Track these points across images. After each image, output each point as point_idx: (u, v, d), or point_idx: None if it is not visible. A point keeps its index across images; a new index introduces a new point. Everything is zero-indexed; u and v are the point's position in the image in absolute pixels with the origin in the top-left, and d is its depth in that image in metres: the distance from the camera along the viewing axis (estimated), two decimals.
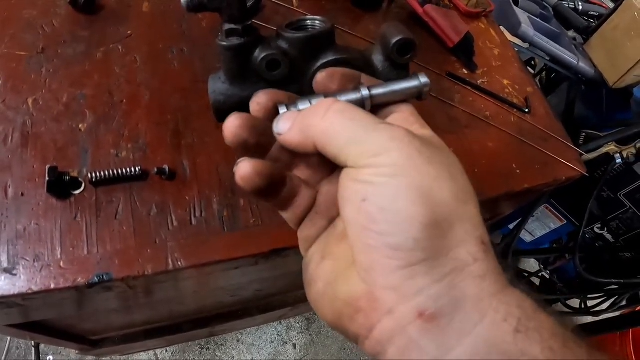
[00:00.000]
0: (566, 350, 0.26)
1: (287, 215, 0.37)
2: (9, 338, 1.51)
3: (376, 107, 0.36)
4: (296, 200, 0.36)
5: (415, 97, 0.37)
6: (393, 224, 0.27)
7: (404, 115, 0.36)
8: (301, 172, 0.37)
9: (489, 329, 0.26)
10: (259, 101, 0.35)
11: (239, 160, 0.32)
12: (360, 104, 0.35)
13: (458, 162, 0.31)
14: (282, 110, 0.34)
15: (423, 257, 0.26)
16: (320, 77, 0.37)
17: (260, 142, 0.34)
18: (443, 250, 0.27)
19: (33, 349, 1.41)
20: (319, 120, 0.30)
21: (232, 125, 0.33)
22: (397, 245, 0.26)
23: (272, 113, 0.35)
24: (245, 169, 0.31)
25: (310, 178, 0.37)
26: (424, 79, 0.37)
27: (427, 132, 0.34)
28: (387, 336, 0.27)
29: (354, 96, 0.35)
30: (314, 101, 0.34)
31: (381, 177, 0.28)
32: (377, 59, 0.49)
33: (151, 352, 1.64)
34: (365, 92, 0.35)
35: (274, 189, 0.34)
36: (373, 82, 0.38)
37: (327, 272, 0.32)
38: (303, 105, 0.34)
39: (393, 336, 0.27)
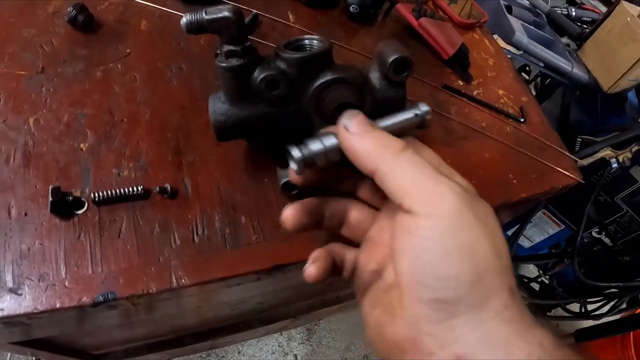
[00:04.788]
0: None
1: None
2: (8, 354, 1.51)
3: None
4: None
5: (417, 127, 0.38)
6: (443, 280, 0.30)
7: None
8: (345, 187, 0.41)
9: None
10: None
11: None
12: None
13: (492, 211, 0.34)
14: (292, 150, 0.35)
15: (464, 311, 0.30)
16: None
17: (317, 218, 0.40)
18: (481, 301, 0.30)
19: None
20: (391, 154, 0.33)
21: (291, 216, 0.39)
22: (445, 299, 0.30)
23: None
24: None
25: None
26: (423, 108, 0.37)
27: (459, 179, 0.36)
28: None
29: None
30: (326, 140, 0.36)
31: (435, 231, 0.30)
32: (374, 76, 0.50)
33: None
34: None
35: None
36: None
37: (376, 318, 0.36)
38: (314, 145, 0.35)
39: None
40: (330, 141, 0.36)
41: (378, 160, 0.33)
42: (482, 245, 0.31)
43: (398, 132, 0.37)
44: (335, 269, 0.39)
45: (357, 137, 0.34)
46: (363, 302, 0.39)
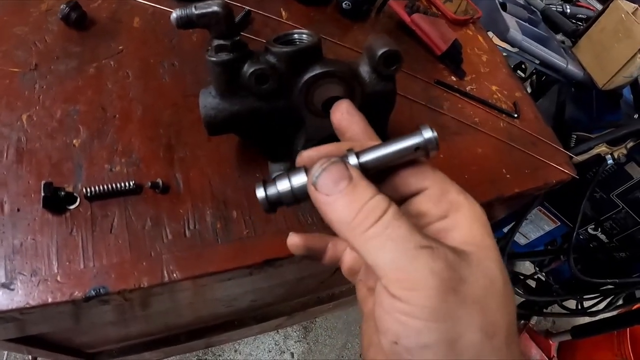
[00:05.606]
0: None
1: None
2: (5, 353, 1.51)
3: (384, 173, 0.34)
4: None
5: (422, 154, 0.33)
6: None
7: (433, 192, 0.34)
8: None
9: None
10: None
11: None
12: None
13: (495, 267, 0.31)
14: (257, 189, 0.33)
15: None
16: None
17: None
18: None
19: None
20: (361, 231, 0.29)
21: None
22: None
23: None
24: None
25: None
26: (427, 135, 0.32)
27: (445, 246, 0.32)
28: None
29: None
30: (294, 178, 0.33)
31: (415, 320, 0.27)
32: (364, 70, 0.50)
33: None
34: (353, 160, 0.32)
35: None
36: (368, 144, 0.34)
37: (367, 334, 0.35)
38: (281, 185, 0.33)
39: None
40: (299, 180, 0.32)
41: (348, 235, 0.30)
42: (467, 333, 0.28)
43: (400, 161, 0.33)
44: (316, 252, 0.39)
45: (327, 200, 0.30)
46: (362, 322, 0.37)
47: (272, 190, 0.33)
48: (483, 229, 0.33)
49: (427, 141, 0.32)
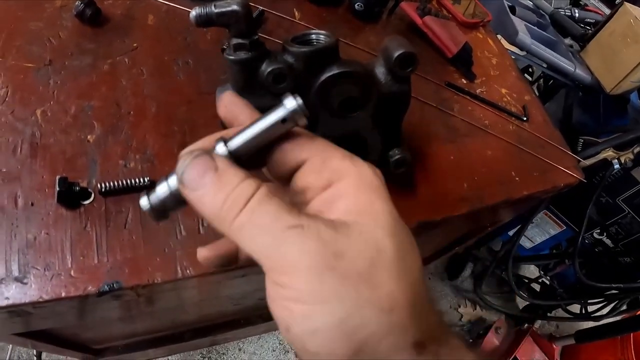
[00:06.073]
0: None
1: None
2: (10, 348, 1.51)
3: (263, 153, 0.31)
4: None
5: (291, 125, 0.30)
6: (320, 356, 0.26)
7: (314, 163, 0.31)
8: None
9: None
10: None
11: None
12: None
13: (383, 235, 0.28)
14: (142, 199, 0.30)
15: None
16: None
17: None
18: None
19: (35, 357, 1.42)
20: (228, 224, 0.27)
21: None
22: None
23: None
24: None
25: None
26: (290, 104, 0.29)
27: (346, 164, 0.30)
28: None
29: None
30: (171, 179, 0.30)
31: (298, 304, 0.26)
32: (380, 71, 0.50)
33: None
34: (221, 149, 0.30)
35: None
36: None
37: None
38: (160, 189, 0.30)
39: None
40: (174, 181, 0.30)
41: (222, 229, 0.28)
42: (359, 309, 0.25)
43: (273, 135, 0.30)
44: (229, 257, 0.36)
45: (196, 196, 0.28)
46: None
47: (153, 198, 0.30)
48: (372, 194, 0.29)
49: (292, 112, 0.29)
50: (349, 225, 0.27)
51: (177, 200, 0.30)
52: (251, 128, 0.30)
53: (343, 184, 0.30)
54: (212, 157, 0.29)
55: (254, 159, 0.31)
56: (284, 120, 0.30)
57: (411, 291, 0.27)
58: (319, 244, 0.26)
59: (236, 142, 0.30)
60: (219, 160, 0.28)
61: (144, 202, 0.30)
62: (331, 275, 0.25)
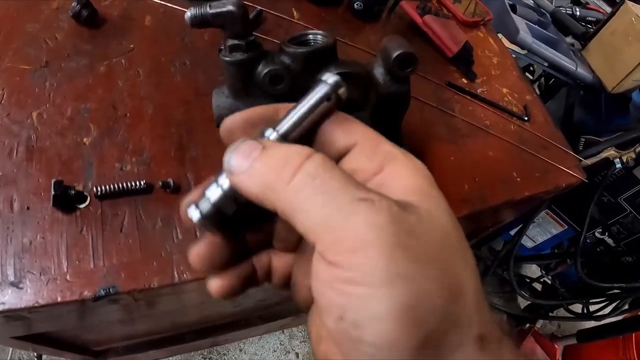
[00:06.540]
0: None
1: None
2: (10, 350, 1.51)
3: (308, 139, 0.29)
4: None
5: (336, 106, 0.29)
6: (379, 348, 0.23)
7: (365, 146, 0.29)
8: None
9: None
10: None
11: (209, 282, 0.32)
12: None
13: (448, 220, 0.26)
14: (191, 212, 0.28)
15: None
16: (223, 127, 0.31)
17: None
18: None
19: (35, 359, 1.41)
20: (283, 185, 0.25)
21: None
22: None
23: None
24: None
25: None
26: (331, 79, 0.29)
27: (397, 150, 0.29)
28: None
29: None
30: (220, 178, 0.28)
31: (360, 287, 0.23)
32: (379, 72, 0.50)
33: None
34: (271, 134, 0.28)
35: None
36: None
37: (317, 333, 0.31)
38: (211, 193, 0.28)
39: None
40: (225, 179, 0.28)
41: (273, 199, 0.25)
42: (428, 295, 0.23)
43: (318, 117, 0.29)
44: (253, 279, 0.33)
45: (244, 176, 0.26)
46: (308, 316, 0.33)
47: (203, 205, 0.28)
48: (427, 180, 0.28)
49: (334, 86, 0.28)
50: (415, 206, 0.25)
51: (231, 202, 0.28)
52: (296, 111, 0.28)
53: (397, 167, 0.28)
54: (258, 140, 0.27)
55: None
56: (328, 98, 0.28)
57: (475, 282, 0.25)
58: (392, 220, 0.23)
59: (284, 125, 0.28)
60: (265, 142, 0.27)
61: (193, 211, 0.28)
62: (403, 255, 0.23)
